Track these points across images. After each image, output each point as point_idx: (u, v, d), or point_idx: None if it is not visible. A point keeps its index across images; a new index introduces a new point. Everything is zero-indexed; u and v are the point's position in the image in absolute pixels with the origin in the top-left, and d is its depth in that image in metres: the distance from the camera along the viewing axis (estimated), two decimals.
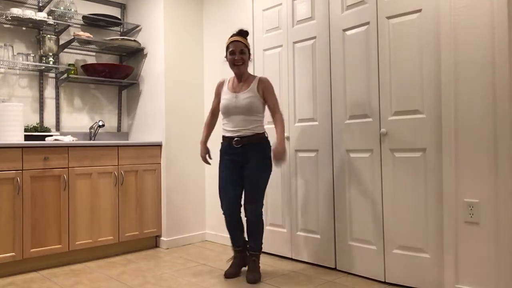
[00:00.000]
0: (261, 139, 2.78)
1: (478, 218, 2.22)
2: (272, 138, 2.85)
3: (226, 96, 2.84)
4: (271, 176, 3.34)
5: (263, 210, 2.81)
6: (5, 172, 2.88)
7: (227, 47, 2.82)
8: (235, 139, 2.76)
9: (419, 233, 2.50)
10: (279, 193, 3.30)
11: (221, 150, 2.87)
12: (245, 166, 2.76)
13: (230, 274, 2.83)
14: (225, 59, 2.86)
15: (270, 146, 2.81)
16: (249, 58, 2.85)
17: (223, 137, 2.85)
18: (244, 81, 2.85)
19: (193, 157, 3.86)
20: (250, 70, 3.50)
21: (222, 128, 2.86)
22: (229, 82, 2.91)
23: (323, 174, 3.00)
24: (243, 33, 2.84)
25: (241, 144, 2.75)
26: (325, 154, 2.99)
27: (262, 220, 2.82)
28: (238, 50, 2.77)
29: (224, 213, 2.82)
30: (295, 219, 3.19)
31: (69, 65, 3.66)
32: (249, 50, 2.84)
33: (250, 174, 2.73)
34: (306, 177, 3.11)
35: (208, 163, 3.01)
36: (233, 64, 2.80)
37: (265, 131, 2.82)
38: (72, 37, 3.59)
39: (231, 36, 2.84)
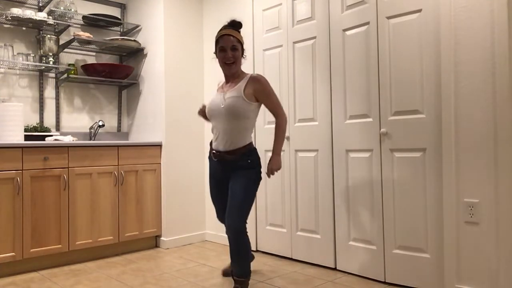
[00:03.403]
0: (244, 152, 2.37)
1: (478, 218, 2.22)
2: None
3: (213, 97, 2.47)
4: (270, 176, 3.34)
5: (246, 230, 2.36)
6: (5, 172, 2.88)
7: (217, 42, 2.36)
8: (214, 151, 2.44)
9: (419, 233, 2.50)
10: (279, 193, 3.30)
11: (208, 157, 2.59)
12: (228, 180, 2.43)
13: (227, 272, 2.83)
14: (215, 55, 2.42)
15: (257, 155, 2.44)
16: (242, 54, 2.39)
17: (210, 143, 2.54)
18: (233, 80, 2.41)
19: (193, 157, 3.86)
20: (249, 70, 3.52)
21: None
22: (221, 83, 2.57)
23: (323, 174, 3.00)
24: (235, 25, 2.38)
25: (219, 159, 2.42)
26: (325, 154, 2.99)
27: (245, 241, 2.31)
28: (230, 46, 2.31)
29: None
30: (295, 219, 3.19)
31: (69, 65, 3.66)
32: (242, 45, 2.38)
33: (232, 189, 2.35)
34: (306, 177, 3.11)
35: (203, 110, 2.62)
36: (223, 63, 2.36)
37: (251, 141, 2.42)
38: (72, 37, 3.59)
39: (222, 29, 2.37)
